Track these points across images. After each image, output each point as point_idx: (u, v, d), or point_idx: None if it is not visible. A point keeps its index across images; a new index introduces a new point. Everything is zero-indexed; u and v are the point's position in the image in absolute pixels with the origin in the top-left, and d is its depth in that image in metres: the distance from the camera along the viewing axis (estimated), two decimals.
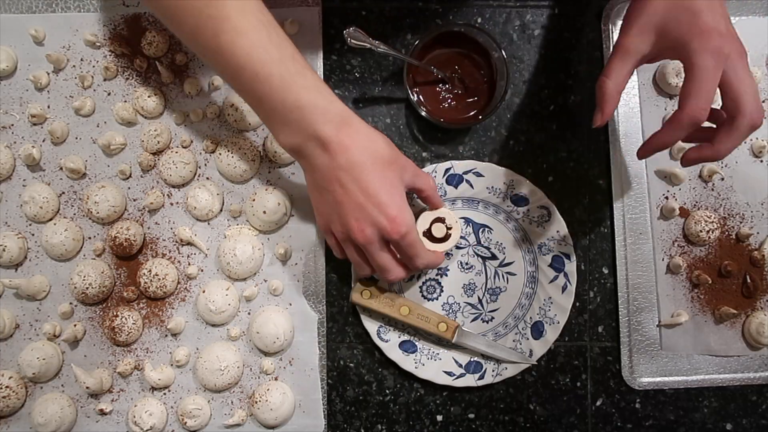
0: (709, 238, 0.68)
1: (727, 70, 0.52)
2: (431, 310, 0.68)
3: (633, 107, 0.71)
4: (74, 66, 0.70)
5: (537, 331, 0.69)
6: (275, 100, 0.55)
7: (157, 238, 0.69)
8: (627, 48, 0.56)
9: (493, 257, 0.70)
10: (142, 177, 0.70)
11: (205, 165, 0.70)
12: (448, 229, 0.67)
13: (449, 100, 0.68)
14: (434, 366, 0.68)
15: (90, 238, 0.69)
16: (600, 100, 0.57)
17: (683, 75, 0.68)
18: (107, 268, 0.68)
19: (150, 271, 0.67)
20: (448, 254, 0.70)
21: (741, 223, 0.71)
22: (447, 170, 0.68)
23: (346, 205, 0.57)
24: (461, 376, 0.68)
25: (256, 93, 0.56)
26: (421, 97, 0.68)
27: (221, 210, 0.70)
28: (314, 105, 0.55)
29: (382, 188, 0.56)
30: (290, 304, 0.69)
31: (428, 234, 0.66)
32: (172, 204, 0.70)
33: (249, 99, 0.58)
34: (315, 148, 0.56)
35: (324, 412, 0.69)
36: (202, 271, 0.69)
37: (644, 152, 0.60)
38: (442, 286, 0.70)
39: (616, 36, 0.71)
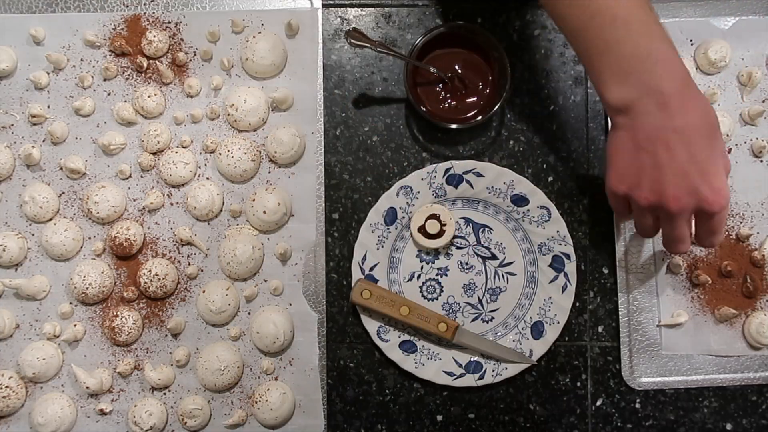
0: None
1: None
2: (431, 310, 0.68)
3: None
4: (74, 66, 0.70)
5: (537, 331, 0.69)
6: (626, 46, 0.53)
7: (157, 238, 0.69)
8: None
9: (493, 257, 0.70)
10: (142, 177, 0.70)
11: (205, 165, 0.70)
12: (442, 225, 0.68)
13: (449, 100, 0.68)
14: (434, 366, 0.69)
15: (90, 238, 0.69)
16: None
17: None
18: (107, 268, 0.68)
19: (150, 271, 0.67)
20: (447, 254, 0.70)
21: (741, 223, 0.71)
22: (447, 170, 0.68)
23: (666, 168, 0.54)
24: (461, 376, 0.68)
25: (607, 39, 0.53)
26: (421, 97, 0.68)
27: (221, 210, 0.70)
28: (666, 57, 0.53)
29: (711, 157, 0.54)
30: (290, 304, 0.69)
31: (422, 230, 0.67)
32: (172, 204, 0.70)
33: (592, 49, 0.55)
34: (650, 104, 0.53)
35: (324, 412, 0.69)
36: (202, 271, 0.69)
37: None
38: (442, 286, 0.70)
39: None
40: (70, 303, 0.69)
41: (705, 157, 0.54)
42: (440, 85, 0.68)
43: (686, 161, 0.54)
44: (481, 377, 0.68)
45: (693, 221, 0.59)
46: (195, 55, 0.71)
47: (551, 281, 0.69)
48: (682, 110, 0.53)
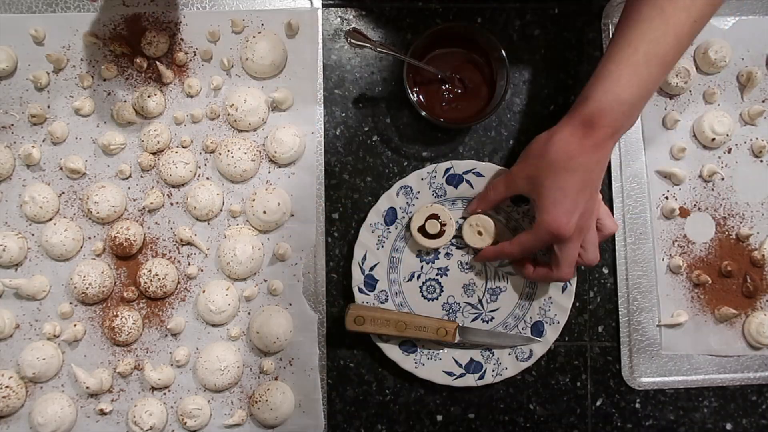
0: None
1: (560, 242, 0.60)
2: (428, 317, 0.68)
3: None
4: (74, 66, 0.70)
5: (537, 331, 0.69)
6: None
7: (157, 238, 0.69)
8: (512, 181, 0.64)
9: None
10: (142, 177, 0.70)
11: (205, 165, 0.70)
12: (442, 225, 0.68)
13: (449, 100, 0.68)
14: (434, 366, 0.68)
15: (90, 238, 0.69)
16: (481, 199, 0.67)
17: (683, 76, 0.69)
18: (107, 268, 0.68)
19: (150, 271, 0.67)
20: (447, 254, 0.70)
21: (741, 223, 0.71)
22: (447, 170, 0.68)
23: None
24: (461, 376, 0.68)
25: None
26: (421, 97, 0.68)
27: (221, 210, 0.70)
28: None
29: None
30: (290, 304, 0.69)
31: (422, 230, 0.67)
32: (172, 204, 0.70)
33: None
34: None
35: (324, 412, 0.69)
36: (202, 271, 0.69)
37: (480, 257, 0.69)
38: (442, 286, 0.70)
39: None
40: (70, 303, 0.69)
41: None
42: (440, 85, 0.68)
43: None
44: (481, 377, 0.68)
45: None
46: (195, 55, 0.71)
47: None
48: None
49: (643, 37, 0.56)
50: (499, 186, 0.66)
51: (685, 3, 0.56)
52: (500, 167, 0.68)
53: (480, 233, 0.68)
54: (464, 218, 0.69)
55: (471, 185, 0.69)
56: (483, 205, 0.67)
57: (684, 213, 0.71)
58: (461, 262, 0.70)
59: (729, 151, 0.71)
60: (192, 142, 0.70)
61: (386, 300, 0.69)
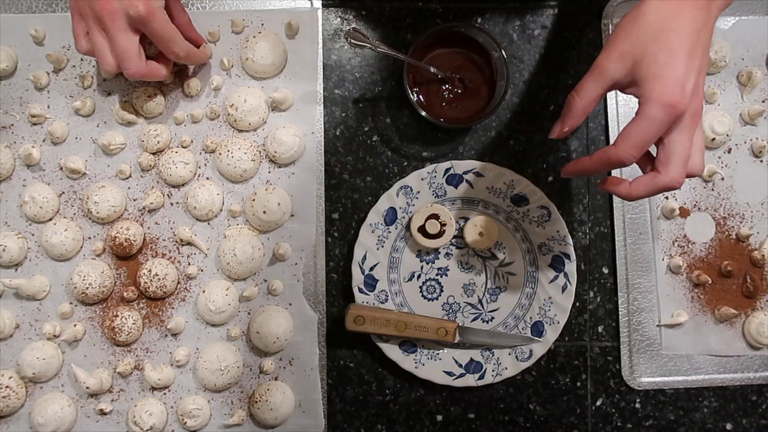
0: None
1: (672, 129, 0.51)
2: (428, 316, 0.68)
3: (633, 107, 0.71)
4: (74, 66, 0.70)
5: (537, 331, 0.69)
6: None
7: (157, 238, 0.69)
8: (603, 70, 0.53)
9: (493, 257, 0.70)
10: (142, 177, 0.70)
11: (205, 165, 0.70)
12: (442, 225, 0.68)
13: (449, 100, 0.68)
14: (434, 366, 0.68)
15: (90, 238, 0.69)
16: (565, 114, 0.55)
17: None
18: (107, 268, 0.68)
19: (150, 271, 0.67)
20: (447, 254, 0.70)
21: (741, 223, 0.71)
22: (447, 170, 0.68)
23: None
24: (461, 376, 0.68)
25: None
26: (421, 97, 0.68)
27: (221, 210, 0.70)
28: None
29: None
30: (290, 304, 0.69)
31: (422, 230, 0.67)
32: (172, 204, 0.70)
33: None
34: None
35: (324, 412, 0.69)
36: (202, 271, 0.69)
37: (567, 172, 0.58)
38: (442, 286, 0.70)
39: None
40: (70, 303, 0.68)
41: None
42: (440, 85, 0.68)
43: None
44: (481, 377, 0.68)
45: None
46: None
47: (551, 281, 0.69)
48: None
49: None
50: (587, 84, 0.53)
51: None
52: (500, 167, 0.68)
53: (481, 234, 0.68)
54: (465, 219, 0.69)
55: (471, 185, 0.69)
56: (570, 119, 0.54)
57: (684, 213, 0.71)
58: (461, 262, 0.70)
59: (729, 151, 0.71)
60: (192, 142, 0.70)
61: (386, 300, 0.69)
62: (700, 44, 0.50)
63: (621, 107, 0.71)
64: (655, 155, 0.53)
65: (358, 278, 0.69)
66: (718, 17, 0.53)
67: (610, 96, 0.72)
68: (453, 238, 0.70)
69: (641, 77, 0.50)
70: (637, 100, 0.51)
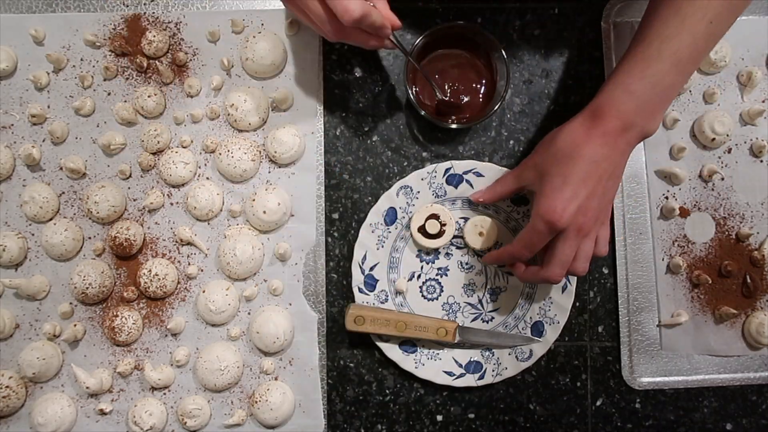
0: None
1: (557, 239, 0.59)
2: (428, 316, 0.68)
3: None
4: (74, 66, 0.70)
5: (537, 331, 0.69)
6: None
7: (157, 238, 0.69)
8: (519, 173, 0.64)
9: None
10: (142, 177, 0.70)
11: (205, 165, 0.70)
12: (442, 225, 0.68)
13: (449, 101, 0.68)
14: (434, 366, 0.68)
15: (90, 238, 0.69)
16: (489, 189, 0.67)
17: None
18: (107, 268, 0.68)
19: (150, 271, 0.67)
20: (447, 254, 0.70)
21: (741, 223, 0.71)
22: (447, 170, 0.68)
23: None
24: (461, 376, 0.68)
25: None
26: (421, 97, 0.68)
27: (221, 210, 0.70)
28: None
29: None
30: (290, 304, 0.69)
31: (422, 230, 0.67)
32: (172, 204, 0.70)
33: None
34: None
35: (324, 412, 0.69)
36: (202, 271, 0.69)
37: (489, 260, 0.69)
38: (442, 286, 0.70)
39: (615, 36, 0.71)
40: (70, 303, 0.69)
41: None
42: (440, 85, 0.68)
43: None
44: (481, 377, 0.68)
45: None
46: (195, 55, 0.71)
47: None
48: None
49: (657, 34, 0.56)
50: (508, 177, 0.65)
51: (702, 3, 0.55)
52: (500, 167, 0.68)
53: (481, 234, 0.68)
54: (465, 219, 0.69)
55: (471, 185, 0.69)
56: (488, 195, 0.66)
57: (684, 213, 0.71)
58: (461, 262, 0.70)
59: (729, 151, 0.71)
60: (192, 142, 0.70)
61: (386, 300, 0.69)
62: (596, 175, 0.57)
63: None
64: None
65: (358, 278, 0.69)
66: (639, 141, 0.59)
67: None
68: (453, 238, 0.70)
69: (537, 192, 0.60)
70: None
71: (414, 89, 0.67)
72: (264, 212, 0.67)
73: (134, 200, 0.70)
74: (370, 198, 0.71)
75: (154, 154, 0.70)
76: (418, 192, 0.69)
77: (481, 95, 0.68)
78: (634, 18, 0.71)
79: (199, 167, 0.70)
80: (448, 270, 0.70)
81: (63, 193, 0.70)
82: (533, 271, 0.63)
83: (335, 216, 0.71)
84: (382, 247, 0.69)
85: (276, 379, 0.68)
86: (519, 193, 0.67)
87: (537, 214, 0.58)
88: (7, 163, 0.69)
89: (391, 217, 0.69)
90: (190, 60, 0.70)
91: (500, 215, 0.70)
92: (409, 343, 0.69)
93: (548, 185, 0.58)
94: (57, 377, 0.68)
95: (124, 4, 0.71)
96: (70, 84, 0.70)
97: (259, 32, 0.69)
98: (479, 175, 0.69)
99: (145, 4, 0.71)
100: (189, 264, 0.69)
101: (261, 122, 0.70)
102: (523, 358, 0.68)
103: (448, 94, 0.67)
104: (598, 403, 0.71)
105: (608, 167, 0.57)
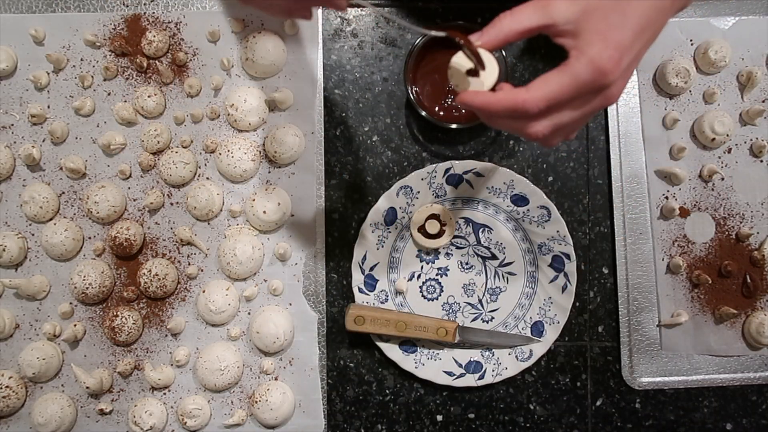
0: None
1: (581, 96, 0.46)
2: (428, 316, 0.68)
3: (633, 107, 0.71)
4: (74, 66, 0.70)
5: (537, 331, 0.69)
6: None
7: (157, 238, 0.69)
8: (548, 5, 0.46)
9: (493, 257, 0.70)
10: (142, 177, 0.70)
11: (205, 165, 0.70)
12: (442, 225, 0.68)
13: (449, 100, 0.68)
14: (434, 366, 0.69)
15: (90, 238, 0.69)
16: (488, 28, 0.48)
17: (683, 76, 0.69)
18: (107, 268, 0.68)
19: (150, 271, 0.67)
20: (447, 254, 0.70)
21: (741, 223, 0.71)
22: (447, 170, 0.68)
23: None
24: (461, 376, 0.68)
25: None
26: (420, 96, 0.68)
27: (221, 210, 0.70)
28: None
29: None
30: (290, 304, 0.69)
31: (422, 230, 0.67)
32: (172, 204, 0.70)
33: None
34: None
35: (324, 412, 0.69)
36: (202, 271, 0.69)
37: (462, 101, 0.50)
38: (442, 286, 0.70)
39: None
40: (70, 303, 0.69)
41: None
42: (440, 85, 0.68)
43: None
44: (481, 377, 0.68)
45: None
46: (195, 55, 0.71)
47: (551, 281, 0.69)
48: None
49: None
50: (525, 10, 0.47)
51: None
52: (500, 167, 0.68)
53: (473, 72, 0.51)
54: (465, 219, 0.69)
55: (471, 185, 0.69)
56: (489, 35, 0.48)
57: (684, 213, 0.71)
58: (461, 262, 0.70)
59: (729, 151, 0.71)
60: (192, 142, 0.70)
61: (386, 300, 0.69)
62: (652, 28, 0.45)
63: (621, 107, 0.71)
64: None
65: (358, 278, 0.69)
66: (676, 15, 0.49)
67: None
68: (453, 238, 0.70)
69: (584, 29, 0.45)
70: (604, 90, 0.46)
71: (414, 89, 0.67)
72: (264, 212, 0.67)
73: (134, 200, 0.70)
74: (370, 198, 0.71)
75: (154, 154, 0.70)
76: (418, 192, 0.69)
77: None
78: None
79: (199, 167, 0.70)
80: (448, 270, 0.70)
81: (63, 193, 0.70)
82: (511, 111, 0.46)
83: (335, 216, 0.71)
84: (382, 247, 0.69)
85: (276, 379, 0.68)
86: (534, 34, 0.48)
87: (584, 58, 0.44)
88: (7, 163, 0.69)
89: (391, 217, 0.69)
90: (190, 60, 0.70)
91: (500, 215, 0.70)
92: (409, 343, 0.69)
93: (603, 22, 0.43)
94: (57, 377, 0.68)
95: (124, 4, 0.71)
96: (70, 84, 0.70)
97: (259, 32, 0.69)
98: (479, 175, 0.69)
99: (145, 4, 0.71)
100: (189, 264, 0.69)
101: (261, 122, 0.70)
102: (523, 358, 0.68)
103: (450, 98, 0.67)
104: (598, 403, 0.71)
105: (659, 25, 0.46)
